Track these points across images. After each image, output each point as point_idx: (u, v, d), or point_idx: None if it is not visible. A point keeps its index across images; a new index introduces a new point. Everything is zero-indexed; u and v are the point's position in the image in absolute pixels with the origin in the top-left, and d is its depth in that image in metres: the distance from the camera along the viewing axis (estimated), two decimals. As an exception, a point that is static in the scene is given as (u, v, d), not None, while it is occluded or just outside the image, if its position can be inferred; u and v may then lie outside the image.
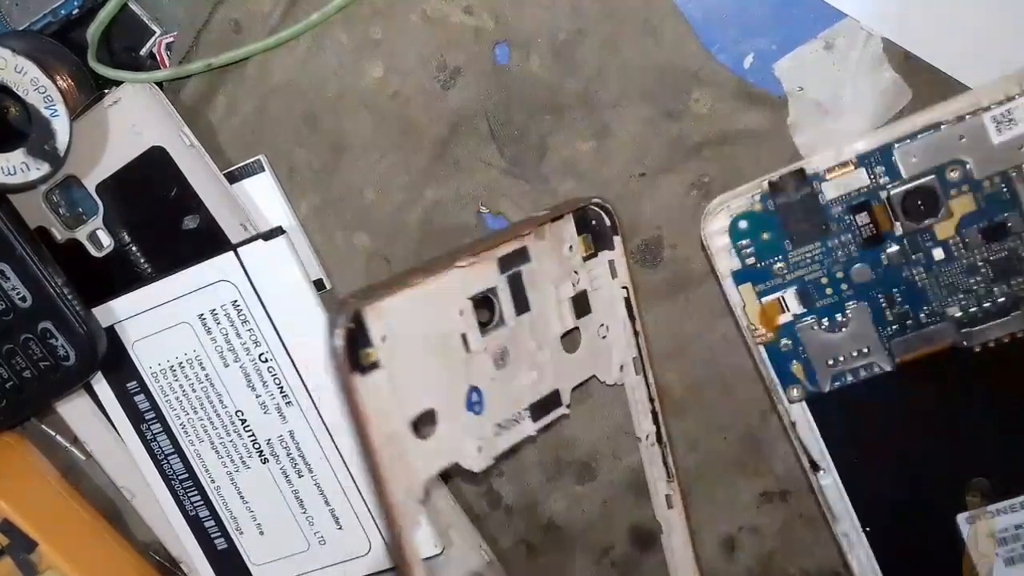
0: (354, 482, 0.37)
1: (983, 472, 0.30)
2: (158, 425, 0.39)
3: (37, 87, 0.34)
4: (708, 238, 0.31)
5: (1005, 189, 0.29)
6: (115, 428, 0.39)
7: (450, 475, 0.39)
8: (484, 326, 0.29)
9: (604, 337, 0.33)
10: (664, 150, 0.34)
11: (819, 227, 0.30)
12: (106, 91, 0.37)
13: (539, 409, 0.31)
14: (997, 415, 0.30)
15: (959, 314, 0.30)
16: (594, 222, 0.33)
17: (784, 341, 0.31)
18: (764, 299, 0.31)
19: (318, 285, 0.38)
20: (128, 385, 0.38)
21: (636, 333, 0.34)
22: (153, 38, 0.38)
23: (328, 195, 0.38)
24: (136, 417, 0.39)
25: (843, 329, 0.31)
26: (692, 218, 0.34)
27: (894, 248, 0.30)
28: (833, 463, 0.32)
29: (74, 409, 0.41)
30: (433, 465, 0.26)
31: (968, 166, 0.29)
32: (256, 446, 0.38)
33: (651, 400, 0.34)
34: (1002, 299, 0.30)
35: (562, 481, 0.38)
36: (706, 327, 0.35)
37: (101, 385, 0.39)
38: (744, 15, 0.33)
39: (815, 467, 0.32)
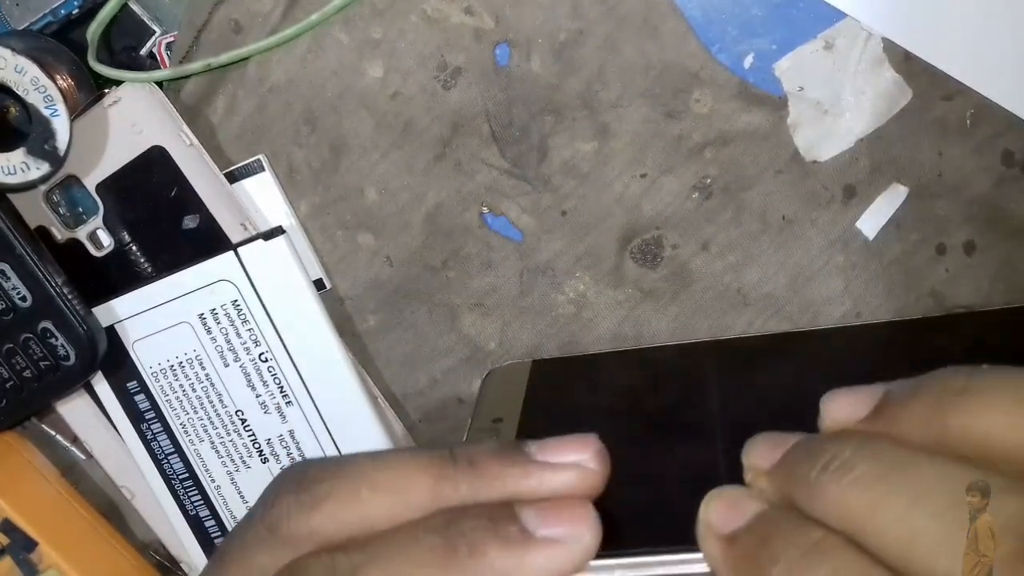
0: (354, 482, 0.37)
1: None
2: (158, 425, 0.39)
3: (37, 87, 0.34)
4: None
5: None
6: (115, 428, 0.39)
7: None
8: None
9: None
10: (665, 150, 0.34)
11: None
12: (106, 91, 0.37)
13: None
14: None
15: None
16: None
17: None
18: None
19: (318, 285, 0.38)
20: (128, 385, 0.38)
21: None
22: (153, 38, 0.38)
23: (328, 195, 0.38)
24: (136, 417, 0.39)
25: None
26: (693, 219, 0.34)
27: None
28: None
29: (74, 409, 0.40)
30: None
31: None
32: (256, 446, 0.38)
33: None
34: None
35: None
36: (706, 327, 0.35)
37: (101, 385, 0.38)
38: (744, 15, 0.33)
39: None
